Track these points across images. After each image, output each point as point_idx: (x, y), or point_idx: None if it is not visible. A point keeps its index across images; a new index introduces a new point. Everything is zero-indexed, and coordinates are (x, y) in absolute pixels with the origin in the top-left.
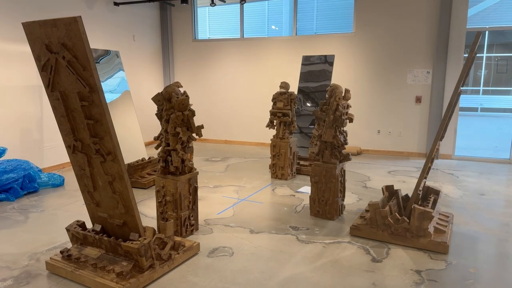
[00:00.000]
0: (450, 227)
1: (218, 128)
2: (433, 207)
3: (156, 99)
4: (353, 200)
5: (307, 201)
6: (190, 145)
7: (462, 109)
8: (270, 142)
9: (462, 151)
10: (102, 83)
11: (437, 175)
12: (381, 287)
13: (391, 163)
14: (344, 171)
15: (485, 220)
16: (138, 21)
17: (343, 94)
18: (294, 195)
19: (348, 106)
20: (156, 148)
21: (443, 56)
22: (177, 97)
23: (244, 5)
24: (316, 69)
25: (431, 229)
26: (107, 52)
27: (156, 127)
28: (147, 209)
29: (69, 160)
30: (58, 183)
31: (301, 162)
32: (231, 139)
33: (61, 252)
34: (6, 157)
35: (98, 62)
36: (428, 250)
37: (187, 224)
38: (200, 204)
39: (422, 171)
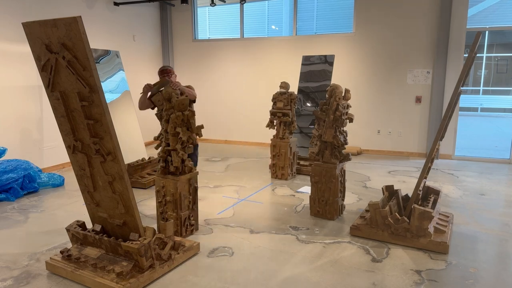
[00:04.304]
0: (450, 227)
1: (218, 128)
2: (433, 207)
3: (156, 99)
4: (353, 200)
5: (307, 201)
6: (190, 145)
7: (462, 109)
8: (270, 142)
9: (462, 151)
10: (102, 83)
11: (437, 175)
12: (381, 287)
13: (391, 163)
14: (344, 171)
15: (485, 220)
16: (138, 21)
17: (343, 94)
18: (294, 195)
19: (348, 106)
20: (156, 148)
21: (443, 56)
22: (177, 97)
23: (244, 5)
24: (316, 69)
25: (431, 229)
26: (107, 52)
27: (156, 127)
28: (147, 209)
29: (69, 160)
30: (58, 183)
31: (301, 162)
32: (231, 139)
33: (61, 252)
34: (6, 157)
35: (98, 62)
36: (428, 250)
37: (187, 224)
38: (200, 204)
39: (422, 171)
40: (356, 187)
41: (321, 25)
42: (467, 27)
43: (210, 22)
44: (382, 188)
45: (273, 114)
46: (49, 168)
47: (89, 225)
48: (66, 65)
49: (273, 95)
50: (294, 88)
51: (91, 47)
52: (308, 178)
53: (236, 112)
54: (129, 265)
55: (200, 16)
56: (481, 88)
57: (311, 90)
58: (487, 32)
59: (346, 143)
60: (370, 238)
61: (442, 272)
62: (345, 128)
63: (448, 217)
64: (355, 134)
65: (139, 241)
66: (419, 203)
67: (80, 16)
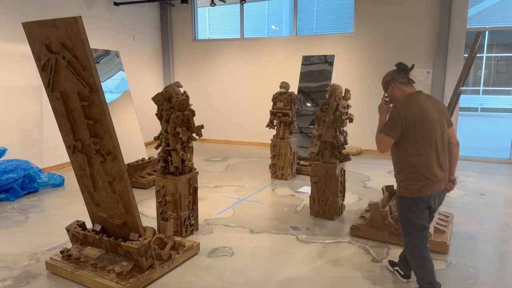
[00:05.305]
0: (450, 227)
1: (218, 128)
2: None
3: (156, 99)
4: (353, 200)
5: (307, 201)
6: (190, 145)
7: (462, 109)
8: (270, 142)
9: (462, 151)
10: (102, 83)
11: None
12: (381, 287)
13: (391, 163)
14: (344, 171)
15: (485, 220)
16: (138, 21)
17: (343, 94)
18: (294, 195)
19: (348, 106)
20: (156, 148)
21: (443, 56)
22: (177, 97)
23: (244, 5)
24: (316, 69)
25: (431, 229)
26: (107, 52)
27: (156, 127)
28: (147, 209)
29: (69, 160)
30: (58, 183)
31: (301, 162)
32: (231, 139)
33: (61, 252)
34: (6, 157)
35: (98, 62)
36: None
37: (187, 224)
38: (200, 204)
39: None
40: (356, 187)
41: (321, 25)
42: (467, 27)
43: (210, 22)
44: (382, 188)
45: (273, 114)
46: (49, 168)
47: (89, 225)
48: (66, 65)
49: (273, 95)
50: (294, 88)
51: (91, 47)
52: (308, 178)
53: (236, 112)
54: (129, 265)
55: (200, 16)
56: (481, 88)
57: (311, 90)
58: (487, 32)
59: (346, 143)
60: (370, 238)
61: (442, 272)
62: (345, 128)
63: (448, 217)
64: (355, 134)
65: (139, 241)
66: None
67: (80, 16)
